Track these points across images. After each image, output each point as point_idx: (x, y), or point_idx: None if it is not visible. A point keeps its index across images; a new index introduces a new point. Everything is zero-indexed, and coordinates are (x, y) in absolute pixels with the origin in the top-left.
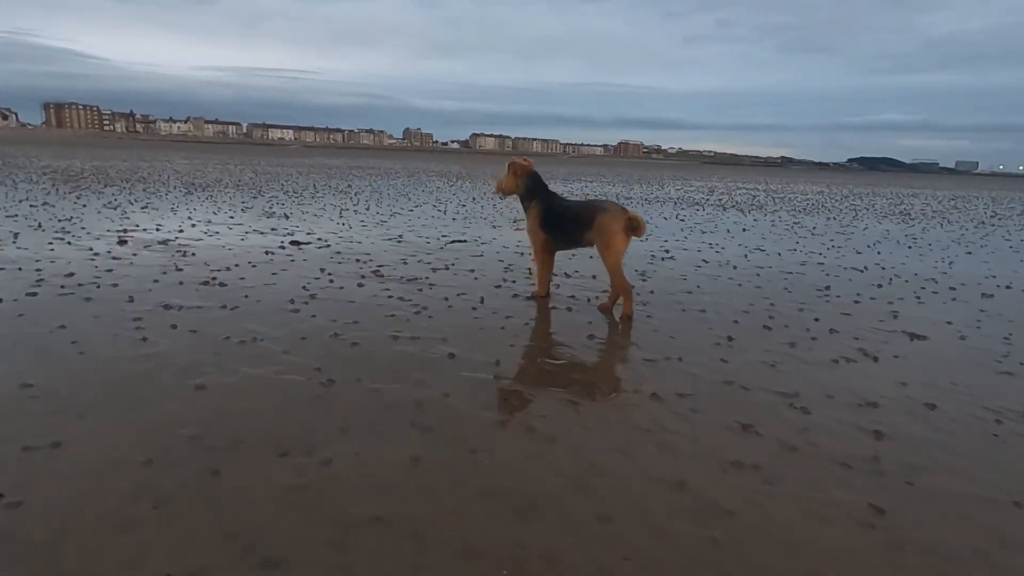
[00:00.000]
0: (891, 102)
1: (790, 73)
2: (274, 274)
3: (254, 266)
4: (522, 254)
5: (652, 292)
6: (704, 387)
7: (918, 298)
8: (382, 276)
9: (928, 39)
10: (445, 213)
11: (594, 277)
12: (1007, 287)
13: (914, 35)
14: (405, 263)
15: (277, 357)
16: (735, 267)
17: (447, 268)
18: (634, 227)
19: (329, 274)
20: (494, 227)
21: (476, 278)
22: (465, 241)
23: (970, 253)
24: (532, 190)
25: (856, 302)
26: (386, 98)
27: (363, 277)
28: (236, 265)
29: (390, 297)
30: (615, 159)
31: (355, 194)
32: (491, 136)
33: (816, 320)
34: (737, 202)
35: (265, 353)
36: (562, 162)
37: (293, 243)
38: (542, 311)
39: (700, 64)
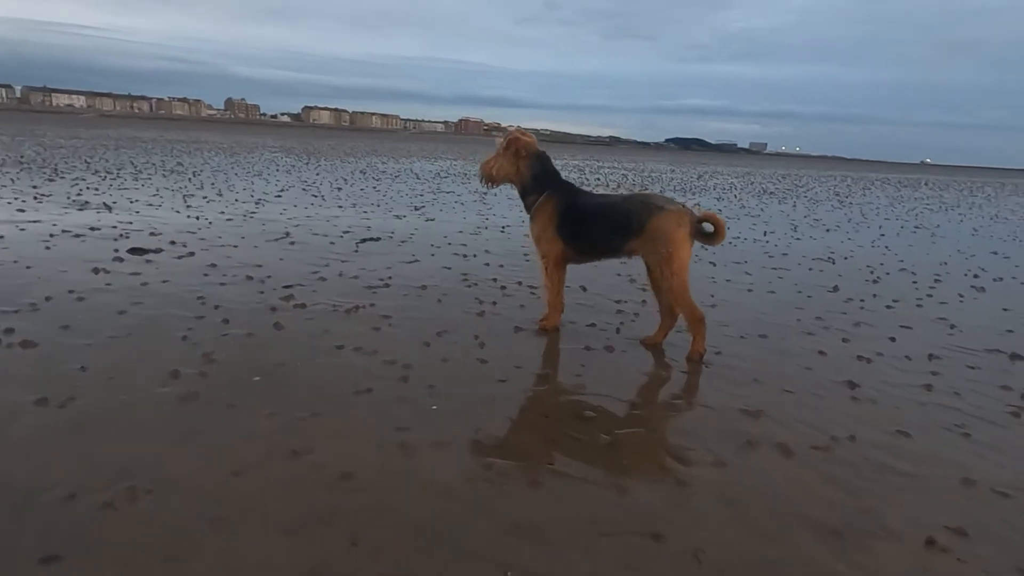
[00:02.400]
0: (698, 88)
1: (614, 58)
2: (121, 314)
3: (80, 298)
4: (466, 256)
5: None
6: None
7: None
8: (303, 306)
9: (724, 34)
10: (323, 199)
11: (618, 301)
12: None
13: (713, 29)
14: (320, 278)
15: None
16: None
17: (386, 285)
18: (708, 232)
19: (216, 307)
20: (397, 217)
21: (440, 300)
22: (379, 239)
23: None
24: (541, 179)
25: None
26: (202, 64)
27: (274, 310)
28: (47, 299)
29: (340, 348)
30: (458, 136)
31: (193, 175)
32: (327, 109)
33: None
34: (607, 182)
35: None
36: (404, 138)
37: (135, 251)
38: (566, 354)
39: (534, 45)
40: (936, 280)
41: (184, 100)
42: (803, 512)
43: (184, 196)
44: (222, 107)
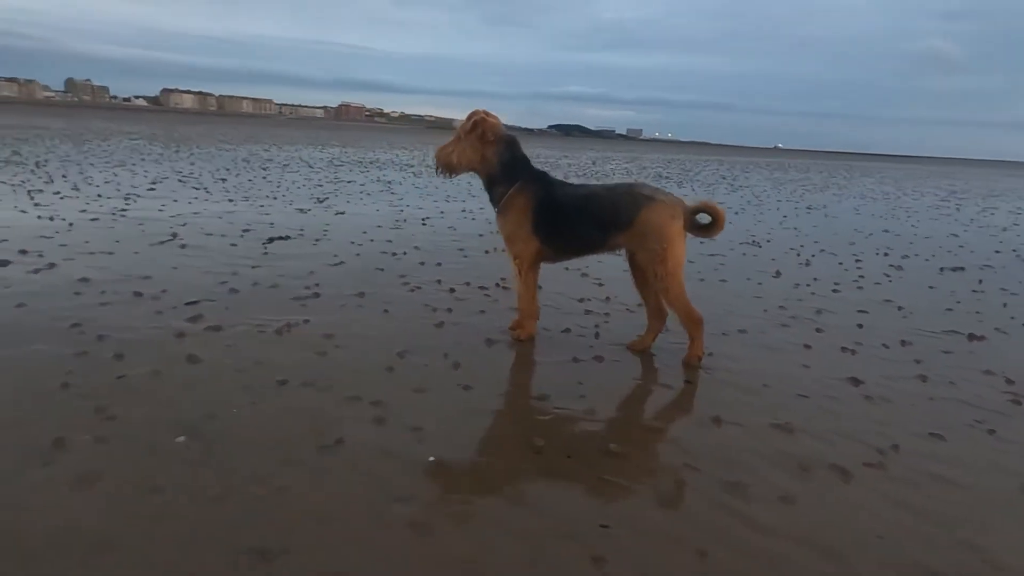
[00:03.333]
0: (577, 76)
1: (496, 43)
2: None
3: None
4: (396, 255)
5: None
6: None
7: None
8: (218, 328)
9: (600, 23)
10: (208, 191)
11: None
12: None
13: (590, 18)
14: (231, 289)
15: None
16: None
17: (315, 295)
18: (703, 224)
19: (101, 337)
20: (300, 211)
21: (386, 310)
22: (288, 237)
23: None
24: (511, 167)
25: None
26: (34, 39)
27: (182, 336)
28: None
29: (283, 384)
30: (339, 122)
31: (37, 165)
32: (189, 93)
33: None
34: None
35: None
36: (281, 123)
37: None
38: (555, 369)
39: (414, 28)
40: (857, 261)
41: (13, 80)
42: (914, 558)
43: (29, 192)
44: (62, 88)
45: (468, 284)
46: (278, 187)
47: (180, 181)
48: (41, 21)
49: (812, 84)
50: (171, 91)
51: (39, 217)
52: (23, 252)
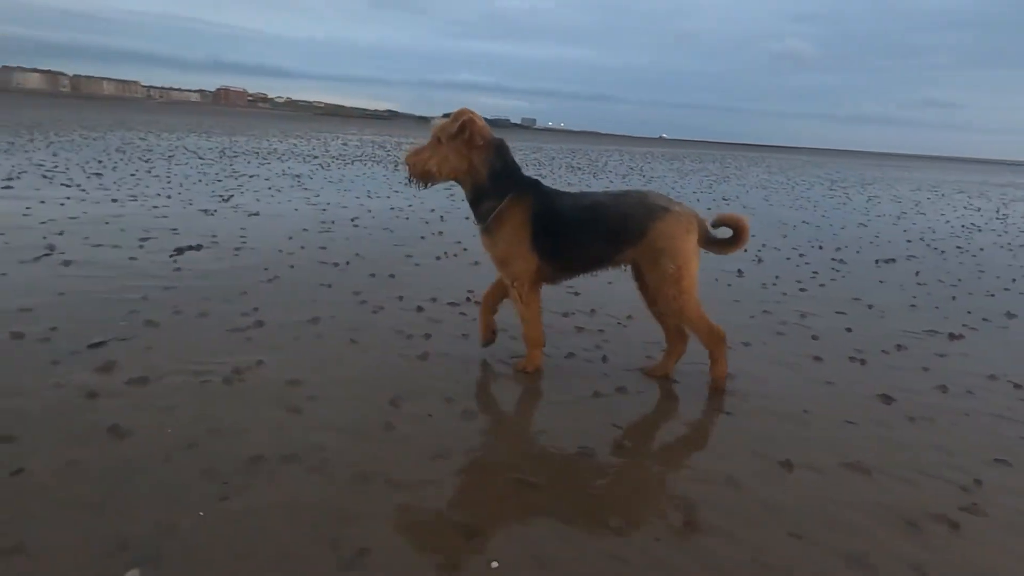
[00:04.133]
0: (468, 64)
1: (386, 28)
2: None
3: None
4: (338, 265)
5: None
6: None
7: None
8: (143, 380)
9: (489, 11)
10: (82, 189)
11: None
12: None
13: (478, 6)
14: (147, 321)
15: None
16: None
17: (259, 323)
18: (721, 240)
19: None
20: (204, 212)
21: (354, 340)
22: (200, 246)
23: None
24: (503, 177)
25: None
26: None
27: (94, 397)
28: None
29: (257, 462)
30: (219, 107)
31: None
32: (36, 72)
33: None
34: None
35: None
36: (150, 108)
37: None
38: (580, 407)
39: (299, 9)
40: (801, 256)
41: None
42: None
43: None
44: None
45: (435, 300)
46: (169, 183)
47: (44, 176)
48: None
49: (689, 77)
50: (13, 69)
51: None
52: None
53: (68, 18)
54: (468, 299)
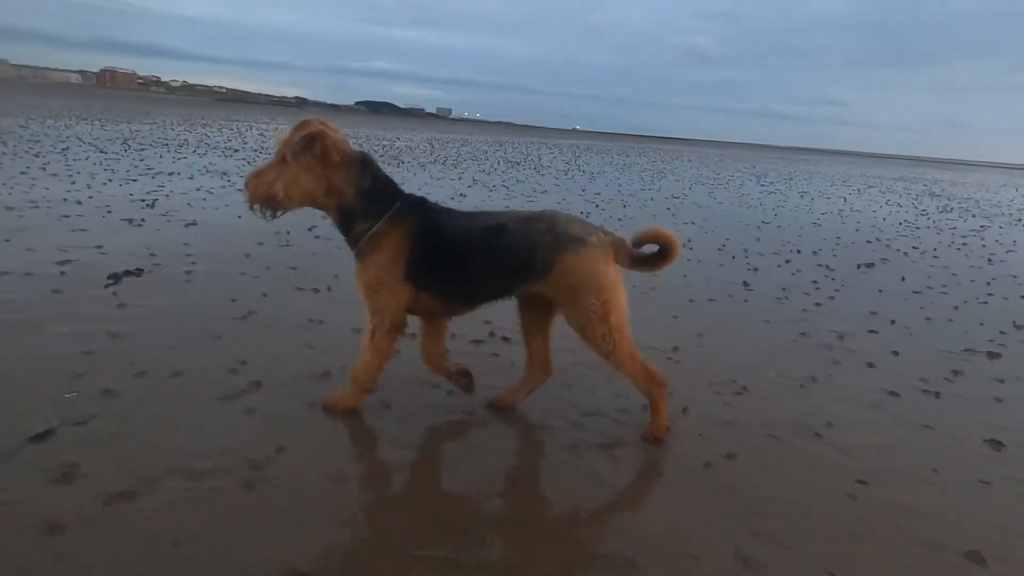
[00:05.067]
0: (384, 52)
1: (296, 12)
2: None
3: None
4: (317, 290)
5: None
6: None
7: None
8: (132, 497)
9: None
10: None
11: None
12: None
13: None
14: (104, 391)
15: None
16: None
17: (255, 384)
18: (646, 257)
19: None
20: (127, 221)
21: (387, 404)
22: (140, 271)
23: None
24: (375, 195)
25: None
26: None
27: (58, 530)
28: None
29: None
30: (103, 90)
31: None
32: None
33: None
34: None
35: None
36: (20, 89)
37: None
38: (580, 467)
39: None
40: (787, 262)
41: None
42: None
43: None
44: None
45: (453, 335)
46: (73, 183)
47: None
48: None
49: (602, 70)
50: None
51: None
52: None
53: None
54: (493, 334)
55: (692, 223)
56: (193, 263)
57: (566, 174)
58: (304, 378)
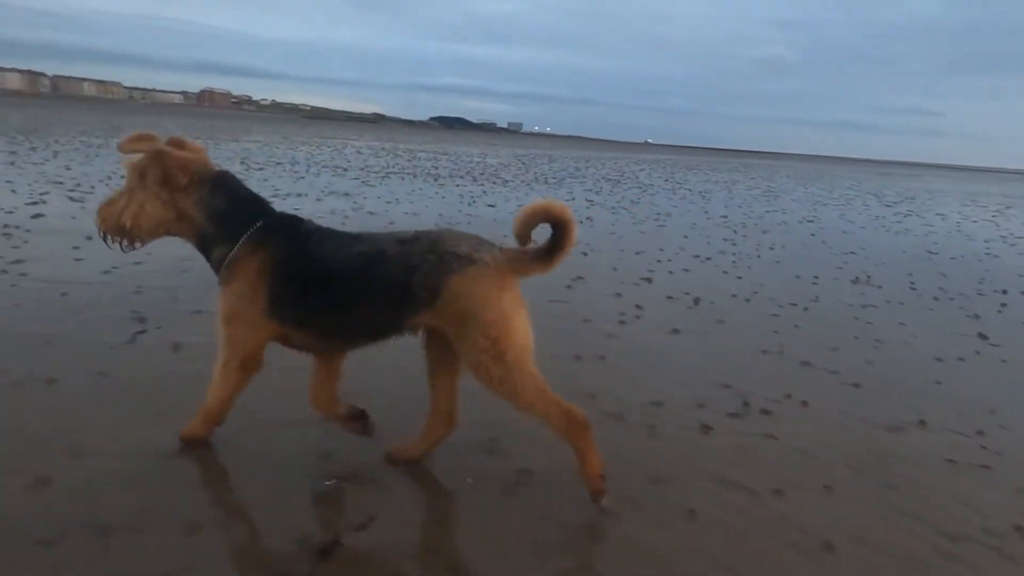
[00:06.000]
0: (454, 67)
1: (369, 30)
2: None
3: None
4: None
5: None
6: None
7: None
8: None
9: (472, 14)
10: None
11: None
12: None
13: (462, 9)
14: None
15: None
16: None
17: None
18: (549, 247)
19: None
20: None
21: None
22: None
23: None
24: (233, 217)
25: None
26: None
27: None
28: None
29: None
30: (203, 109)
31: None
32: (14, 71)
33: None
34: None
35: None
36: (133, 110)
37: None
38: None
39: (280, 10)
40: (963, 295)
41: None
42: None
43: None
44: None
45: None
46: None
47: (71, 199)
48: None
49: (669, 82)
50: None
51: None
52: None
53: (46, 18)
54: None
55: (852, 253)
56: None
57: (674, 193)
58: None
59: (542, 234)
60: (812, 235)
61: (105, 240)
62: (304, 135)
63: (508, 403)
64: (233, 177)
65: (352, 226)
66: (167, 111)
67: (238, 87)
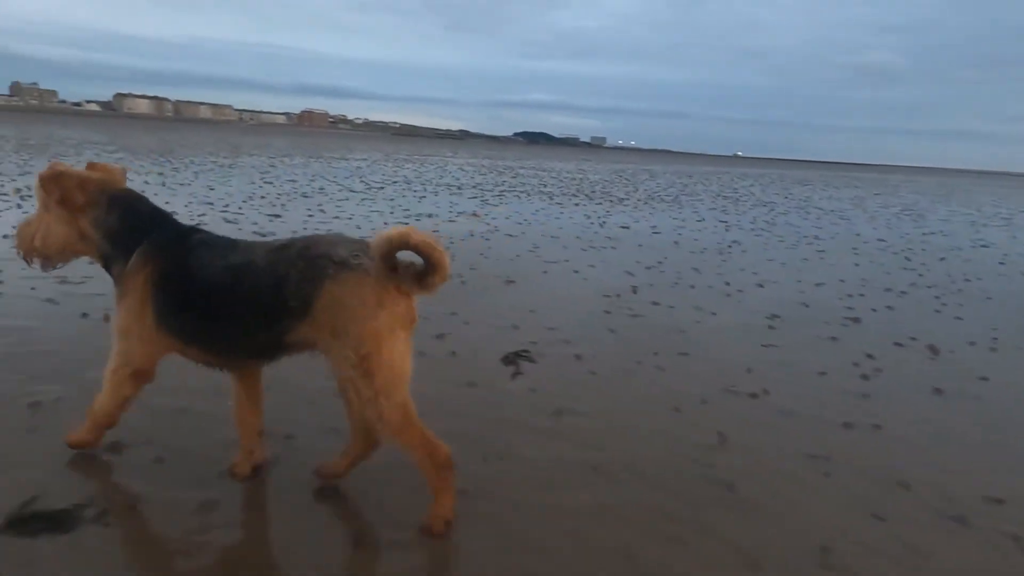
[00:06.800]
0: (539, 83)
1: (456, 51)
2: None
3: None
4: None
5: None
6: None
7: None
8: None
9: (559, 31)
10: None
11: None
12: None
13: (549, 27)
14: None
15: None
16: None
17: None
18: (417, 277)
19: None
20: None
21: None
22: (527, 353)
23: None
24: (126, 234)
25: None
26: None
27: None
28: None
29: None
30: (303, 128)
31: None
32: (144, 97)
33: None
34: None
35: None
36: (242, 130)
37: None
38: None
39: (373, 33)
40: None
41: None
42: None
43: None
44: (7, 92)
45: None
46: (359, 228)
47: (227, 220)
48: None
49: (758, 94)
50: (125, 95)
51: None
52: None
53: (169, 48)
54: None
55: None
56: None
57: (806, 213)
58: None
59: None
60: (1001, 263)
61: (25, 260)
62: (402, 152)
63: (374, 426)
64: (134, 195)
65: (496, 250)
66: (273, 131)
67: (335, 107)
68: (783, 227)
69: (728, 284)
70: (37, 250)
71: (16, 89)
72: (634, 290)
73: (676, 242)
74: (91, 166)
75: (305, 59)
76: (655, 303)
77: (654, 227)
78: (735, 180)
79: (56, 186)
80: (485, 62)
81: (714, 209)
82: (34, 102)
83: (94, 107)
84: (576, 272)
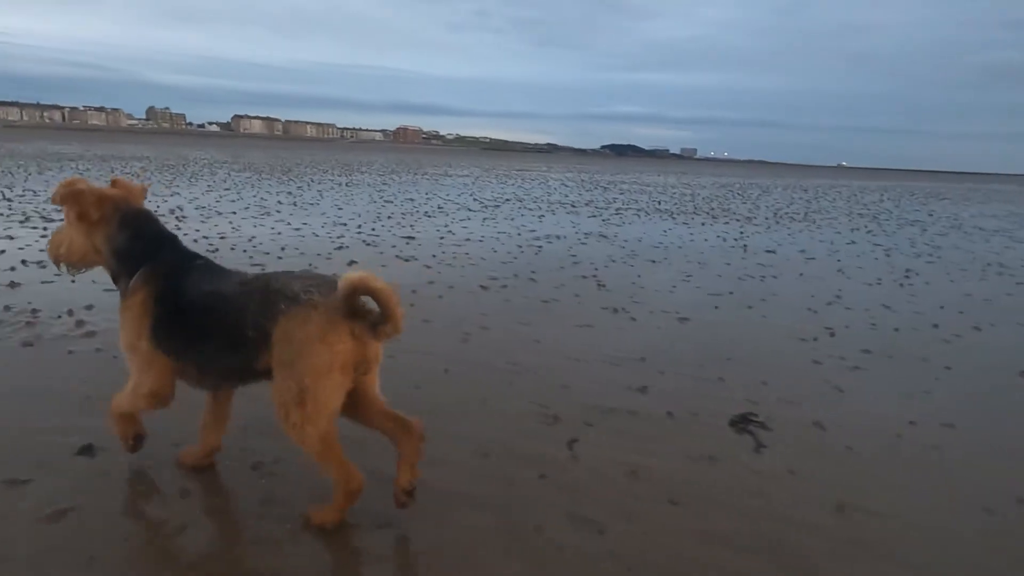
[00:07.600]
0: (627, 95)
1: (545, 65)
2: None
3: None
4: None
5: None
6: None
7: None
8: None
9: (650, 43)
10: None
11: None
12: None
13: (639, 38)
14: None
15: None
16: None
17: None
18: (373, 323)
19: None
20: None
21: None
22: (757, 422)
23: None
24: (130, 254)
25: None
26: (115, 70)
27: None
28: None
29: None
30: (399, 144)
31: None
32: (257, 118)
33: None
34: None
35: None
36: (344, 147)
37: None
38: None
39: (464, 51)
40: None
41: (101, 109)
42: None
43: None
44: (144, 116)
45: None
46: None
47: (367, 244)
48: (119, 54)
49: (867, 100)
50: (241, 117)
51: None
52: None
53: (279, 72)
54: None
55: None
56: None
57: (965, 233)
58: None
59: None
60: None
61: (55, 264)
62: (499, 167)
63: (298, 444)
64: (145, 216)
65: (647, 279)
66: (372, 148)
67: (427, 123)
68: (951, 251)
69: (937, 327)
70: (63, 256)
71: (151, 113)
72: (831, 333)
73: (840, 270)
74: (114, 183)
75: (399, 78)
76: (866, 351)
77: (803, 251)
78: (857, 194)
79: (75, 202)
80: (573, 76)
81: (856, 229)
82: (166, 125)
83: (215, 128)
84: (749, 308)
